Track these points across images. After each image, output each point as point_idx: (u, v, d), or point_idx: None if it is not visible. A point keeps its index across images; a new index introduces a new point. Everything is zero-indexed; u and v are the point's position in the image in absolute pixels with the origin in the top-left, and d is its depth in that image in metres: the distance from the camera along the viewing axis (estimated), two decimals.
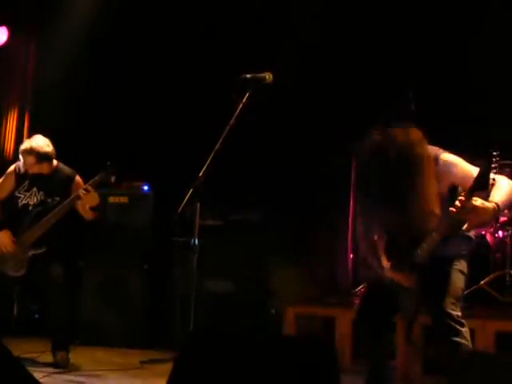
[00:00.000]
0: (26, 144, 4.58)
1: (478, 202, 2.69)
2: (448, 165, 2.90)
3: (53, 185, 4.62)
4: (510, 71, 5.23)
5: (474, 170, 2.80)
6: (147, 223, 5.75)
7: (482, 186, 2.65)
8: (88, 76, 6.41)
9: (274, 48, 5.85)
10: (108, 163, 4.47)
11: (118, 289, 5.61)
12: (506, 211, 4.61)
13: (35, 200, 4.60)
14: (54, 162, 4.66)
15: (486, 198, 2.75)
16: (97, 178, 4.47)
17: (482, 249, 4.93)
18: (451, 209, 2.70)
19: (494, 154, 2.66)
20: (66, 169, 4.72)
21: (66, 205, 4.48)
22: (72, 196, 4.47)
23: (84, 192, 4.39)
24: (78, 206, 4.52)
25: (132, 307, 5.59)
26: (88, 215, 4.59)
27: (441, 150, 2.95)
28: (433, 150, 2.94)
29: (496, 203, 2.72)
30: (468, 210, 2.67)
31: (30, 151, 4.51)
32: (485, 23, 5.44)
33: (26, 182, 4.64)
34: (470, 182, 2.71)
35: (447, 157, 2.93)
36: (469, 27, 5.47)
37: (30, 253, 4.53)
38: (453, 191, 2.93)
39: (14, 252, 4.50)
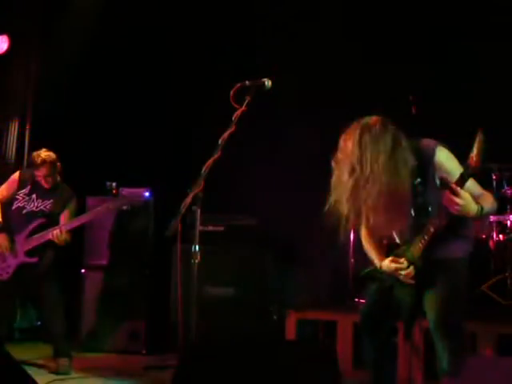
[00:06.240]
0: (49, 154, 4.67)
1: (467, 194, 2.76)
2: (441, 160, 2.96)
3: (52, 198, 4.74)
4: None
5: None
6: (148, 229, 5.75)
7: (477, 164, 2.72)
8: (89, 83, 6.42)
9: (273, 54, 5.87)
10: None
11: (119, 295, 5.61)
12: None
13: (32, 206, 4.68)
14: (58, 177, 4.81)
15: None
16: (103, 207, 4.71)
17: (484, 252, 4.94)
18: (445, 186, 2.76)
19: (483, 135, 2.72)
20: (67, 188, 4.86)
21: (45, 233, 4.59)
22: (48, 230, 4.57)
23: (57, 233, 4.51)
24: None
25: (133, 313, 5.58)
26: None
27: (437, 143, 3.00)
28: (429, 142, 3.01)
29: (481, 206, 2.83)
30: (458, 192, 2.73)
31: (51, 162, 4.64)
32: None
33: (28, 187, 4.71)
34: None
35: (442, 151, 2.98)
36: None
37: (22, 260, 4.59)
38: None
39: (7, 256, 4.55)
